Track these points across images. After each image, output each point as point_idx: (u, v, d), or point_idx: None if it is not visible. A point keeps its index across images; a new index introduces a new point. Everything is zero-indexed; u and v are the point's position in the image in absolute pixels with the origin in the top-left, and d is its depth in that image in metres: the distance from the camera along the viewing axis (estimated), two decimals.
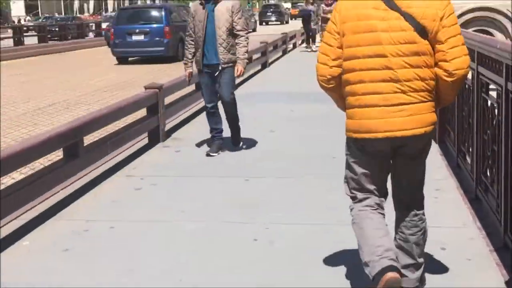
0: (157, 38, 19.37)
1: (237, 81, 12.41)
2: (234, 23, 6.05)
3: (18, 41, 27.10)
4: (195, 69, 6.41)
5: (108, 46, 24.09)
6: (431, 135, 2.86)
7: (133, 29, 19.60)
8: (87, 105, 11.32)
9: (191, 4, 6.54)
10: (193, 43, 6.20)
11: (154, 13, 20.30)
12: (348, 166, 2.97)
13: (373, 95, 2.73)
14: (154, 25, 19.70)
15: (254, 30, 40.59)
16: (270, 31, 34.08)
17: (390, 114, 2.71)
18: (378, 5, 2.73)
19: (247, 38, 6.20)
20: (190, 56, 6.27)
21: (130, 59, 20.52)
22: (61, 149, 5.17)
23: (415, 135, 2.75)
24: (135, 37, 19.63)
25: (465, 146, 5.20)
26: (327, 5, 19.53)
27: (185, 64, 6.38)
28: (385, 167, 2.93)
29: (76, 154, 5.16)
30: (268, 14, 53.67)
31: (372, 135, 2.76)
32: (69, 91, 13.33)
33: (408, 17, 2.67)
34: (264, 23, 51.30)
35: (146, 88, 7.20)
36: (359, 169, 2.91)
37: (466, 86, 4.95)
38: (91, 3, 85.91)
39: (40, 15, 67.69)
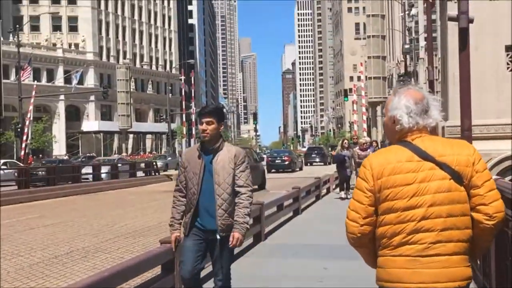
0: None
1: (267, 229, 11.87)
2: (235, 177, 4.73)
3: (51, 181, 27.18)
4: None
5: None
6: None
7: None
8: (106, 254, 10.64)
9: (183, 152, 5.12)
10: (183, 200, 4.89)
11: None
12: None
13: (409, 245, 2.67)
14: None
15: (301, 169, 47.00)
16: (303, 174, 33.84)
17: (423, 265, 2.64)
18: (410, 157, 2.74)
19: (250, 196, 4.79)
20: (178, 216, 4.91)
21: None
22: None
23: None
24: None
25: None
26: (362, 150, 19.10)
27: (170, 226, 4.99)
28: None
29: None
30: (312, 155, 59.41)
31: (403, 285, 2.66)
32: (91, 237, 12.72)
33: (443, 166, 2.69)
34: (309, 164, 55.90)
35: (161, 242, 6.47)
36: None
37: None
38: (130, 143, 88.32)
39: (79, 155, 69.49)
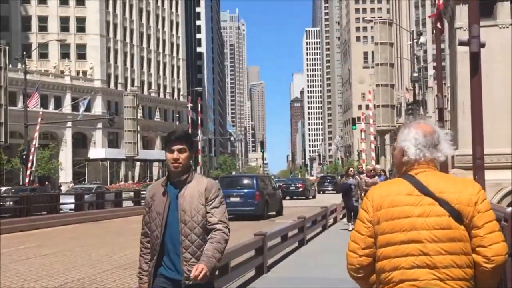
0: (249, 200, 23.96)
1: (270, 261, 11.40)
2: (208, 214, 3.87)
3: (53, 209, 26.80)
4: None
5: None
6: None
7: (231, 193, 23.57)
8: (101, 286, 10.19)
9: (148, 188, 4.26)
10: (149, 245, 4.07)
11: (247, 181, 25.53)
12: None
13: (409, 281, 2.61)
14: (247, 190, 24.25)
15: (314, 197, 48.89)
16: (312, 203, 33.38)
17: None
18: (411, 191, 2.72)
19: (225, 233, 3.87)
20: (145, 267, 4.09)
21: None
22: None
23: None
24: (232, 199, 23.49)
25: None
26: (369, 177, 18.67)
27: (139, 278, 4.17)
28: None
29: None
30: (325, 184, 61.78)
31: None
32: (88, 268, 12.26)
33: (442, 202, 2.65)
34: (321, 192, 58.10)
35: None
36: None
37: None
38: (137, 171, 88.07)
39: (85, 182, 69.21)
